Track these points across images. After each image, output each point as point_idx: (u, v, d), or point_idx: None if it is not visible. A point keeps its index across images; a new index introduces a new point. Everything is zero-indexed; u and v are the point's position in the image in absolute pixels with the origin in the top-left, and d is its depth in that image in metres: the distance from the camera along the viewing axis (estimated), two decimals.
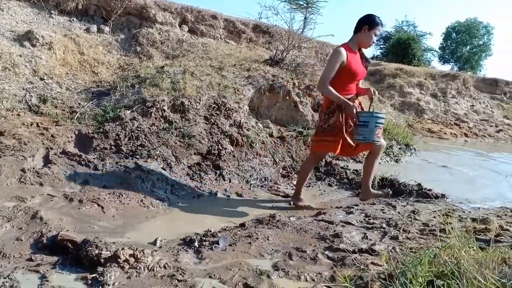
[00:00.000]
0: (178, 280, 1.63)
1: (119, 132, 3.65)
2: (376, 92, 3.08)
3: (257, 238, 2.13)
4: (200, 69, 5.06)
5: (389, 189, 3.29)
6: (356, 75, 2.93)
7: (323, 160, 4.11)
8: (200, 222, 2.60)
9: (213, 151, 3.78)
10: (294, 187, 3.57)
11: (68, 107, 4.17)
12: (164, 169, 3.37)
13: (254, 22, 7.08)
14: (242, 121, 4.38)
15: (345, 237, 2.19)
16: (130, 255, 1.73)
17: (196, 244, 2.03)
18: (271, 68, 5.52)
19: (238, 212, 2.93)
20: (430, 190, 3.55)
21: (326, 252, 1.99)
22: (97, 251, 1.74)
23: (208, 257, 1.89)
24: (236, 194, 3.35)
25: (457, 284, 1.19)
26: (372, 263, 1.80)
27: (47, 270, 1.68)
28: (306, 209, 3.09)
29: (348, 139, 2.85)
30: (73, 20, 5.62)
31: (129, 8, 5.99)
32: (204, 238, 2.10)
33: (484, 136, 9.97)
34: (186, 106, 4.22)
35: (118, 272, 1.64)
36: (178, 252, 1.94)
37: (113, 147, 3.48)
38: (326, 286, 1.65)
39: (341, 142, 2.86)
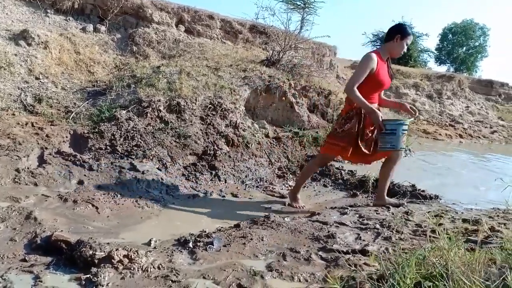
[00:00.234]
0: (172, 281, 1.64)
1: (114, 132, 3.64)
2: (417, 112, 3.13)
3: (251, 239, 2.14)
4: (196, 69, 5.06)
5: (404, 202, 3.16)
6: (383, 84, 2.92)
7: None
8: (195, 223, 2.61)
9: (208, 152, 3.79)
10: (289, 188, 3.59)
11: (64, 107, 4.16)
12: (160, 170, 3.37)
13: (251, 22, 7.08)
14: (238, 122, 4.39)
15: (338, 237, 2.21)
16: (124, 256, 1.73)
17: (190, 244, 2.04)
18: (267, 68, 5.53)
19: (233, 212, 2.94)
20: (423, 191, 3.57)
21: (320, 253, 2.01)
22: (91, 252, 1.75)
23: (202, 257, 1.90)
24: (232, 195, 3.36)
25: (444, 285, 1.21)
26: (365, 263, 1.82)
27: (41, 271, 1.68)
28: (301, 209, 3.10)
29: (363, 148, 2.84)
30: (69, 19, 5.60)
31: (125, 7, 5.98)
32: (199, 239, 2.11)
33: (479, 137, 10.03)
34: (182, 107, 4.23)
35: (112, 273, 1.65)
36: (172, 252, 1.94)
37: (108, 147, 3.48)
38: (319, 287, 1.66)
39: (351, 150, 2.84)
